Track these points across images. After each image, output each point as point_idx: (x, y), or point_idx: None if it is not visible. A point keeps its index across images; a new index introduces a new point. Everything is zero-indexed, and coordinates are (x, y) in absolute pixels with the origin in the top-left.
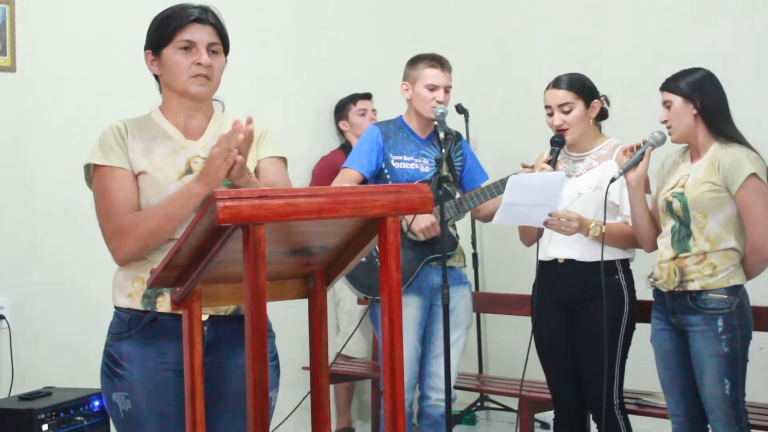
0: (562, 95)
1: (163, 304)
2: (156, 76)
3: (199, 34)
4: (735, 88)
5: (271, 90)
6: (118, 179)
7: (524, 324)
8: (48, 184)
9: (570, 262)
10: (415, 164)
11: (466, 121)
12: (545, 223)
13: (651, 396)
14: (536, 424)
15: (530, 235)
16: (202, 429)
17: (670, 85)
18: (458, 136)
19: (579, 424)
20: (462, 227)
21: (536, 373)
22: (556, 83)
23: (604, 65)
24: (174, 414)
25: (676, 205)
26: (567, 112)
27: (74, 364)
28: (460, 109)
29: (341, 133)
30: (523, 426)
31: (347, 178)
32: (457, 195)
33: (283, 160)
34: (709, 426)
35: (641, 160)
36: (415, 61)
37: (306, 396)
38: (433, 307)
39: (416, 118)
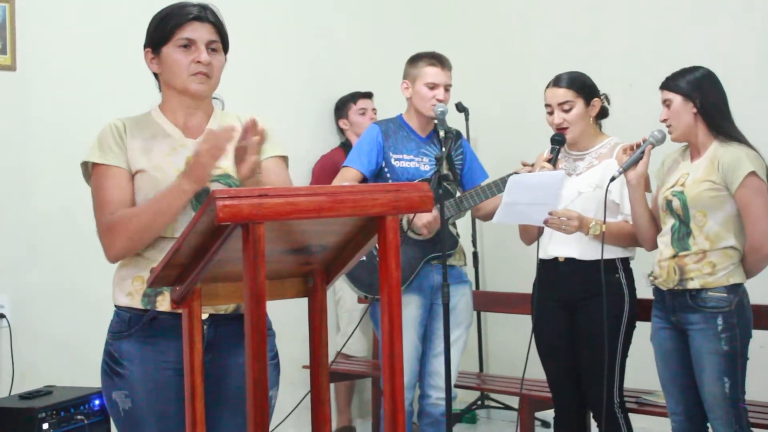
0: (563, 94)
1: (163, 303)
2: (155, 75)
3: (199, 32)
4: (735, 88)
5: (271, 89)
6: (114, 178)
7: (525, 323)
8: (48, 183)
9: (570, 261)
10: (415, 163)
11: (467, 119)
12: (545, 222)
13: (651, 394)
14: (537, 422)
15: (530, 234)
16: (202, 428)
17: (669, 84)
18: (458, 134)
19: (579, 423)
20: (462, 226)
21: (537, 371)
22: (556, 82)
23: (604, 65)
24: (174, 413)
25: (676, 203)
26: (567, 111)
27: (74, 363)
28: (461, 108)
29: (341, 131)
30: (524, 425)
31: (347, 176)
32: (457, 194)
33: (285, 159)
34: (708, 424)
35: (641, 158)
36: (415, 60)
37: (306, 395)
38: (433, 305)
39: (416, 117)
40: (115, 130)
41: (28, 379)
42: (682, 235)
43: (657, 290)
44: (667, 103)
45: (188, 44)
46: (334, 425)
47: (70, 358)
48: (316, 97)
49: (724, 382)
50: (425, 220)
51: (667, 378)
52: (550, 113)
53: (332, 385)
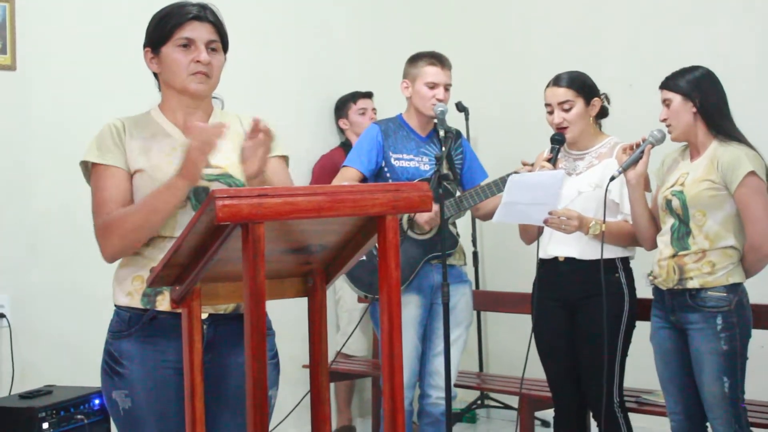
0: (563, 93)
1: (163, 303)
2: (155, 74)
3: (198, 31)
4: (735, 88)
5: (270, 88)
6: (112, 178)
7: (524, 322)
8: (48, 182)
9: (570, 261)
10: (415, 162)
11: (467, 119)
12: (545, 222)
13: (651, 394)
14: (536, 422)
15: (530, 234)
16: (201, 427)
17: (669, 84)
18: (458, 134)
19: (579, 423)
20: (462, 225)
21: (536, 371)
22: (556, 81)
23: (605, 65)
24: (174, 412)
25: (676, 203)
26: (567, 110)
27: (74, 362)
28: (461, 107)
29: (341, 131)
30: (524, 424)
31: (347, 176)
32: (457, 193)
33: (285, 159)
34: (708, 424)
35: (641, 158)
36: (415, 59)
37: (306, 394)
38: (433, 305)
39: (416, 116)
40: (114, 130)
41: (28, 378)
42: (682, 235)
43: (656, 290)
44: (666, 103)
45: (188, 44)
46: (334, 425)
47: (70, 357)
48: (315, 96)
49: (723, 381)
50: (426, 217)
51: (666, 377)
52: (550, 113)
53: (332, 385)
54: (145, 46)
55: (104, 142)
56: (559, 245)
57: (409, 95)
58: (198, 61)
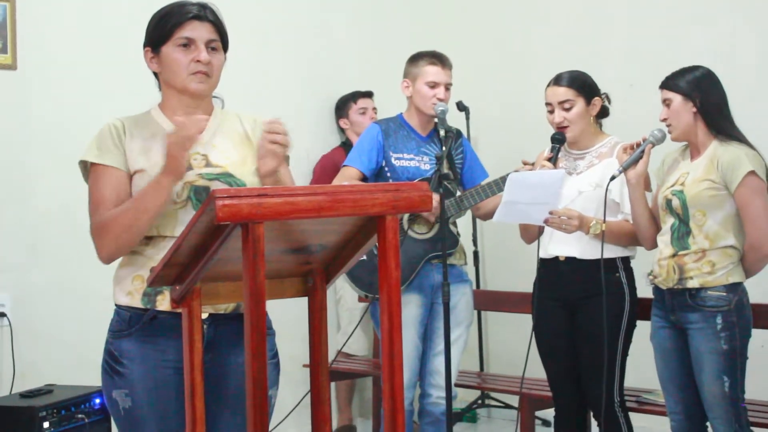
0: (563, 92)
1: (163, 303)
2: (155, 74)
3: (198, 31)
4: (735, 88)
5: (270, 88)
6: (110, 178)
7: (525, 322)
8: (48, 182)
9: (571, 260)
10: (416, 162)
11: (467, 118)
12: (546, 221)
13: (651, 393)
14: (537, 421)
15: (531, 233)
16: (201, 427)
17: (669, 83)
18: (458, 133)
19: (579, 422)
20: (463, 225)
21: (537, 370)
22: (556, 80)
23: (605, 65)
24: (174, 412)
25: (676, 202)
26: (568, 110)
27: (75, 361)
28: (461, 107)
29: (342, 131)
30: (524, 423)
31: (347, 176)
32: (458, 192)
33: (287, 158)
34: (708, 424)
35: (641, 158)
36: (415, 59)
37: (306, 394)
38: (434, 304)
39: (417, 116)
40: (113, 130)
41: (28, 377)
42: (682, 234)
43: (656, 289)
44: (666, 103)
45: (188, 43)
46: (334, 424)
47: (71, 357)
48: (315, 96)
49: (723, 381)
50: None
51: (666, 377)
52: (551, 112)
53: (333, 384)
54: (145, 45)
55: (104, 142)
56: (559, 245)
57: (409, 95)
58: (198, 61)
